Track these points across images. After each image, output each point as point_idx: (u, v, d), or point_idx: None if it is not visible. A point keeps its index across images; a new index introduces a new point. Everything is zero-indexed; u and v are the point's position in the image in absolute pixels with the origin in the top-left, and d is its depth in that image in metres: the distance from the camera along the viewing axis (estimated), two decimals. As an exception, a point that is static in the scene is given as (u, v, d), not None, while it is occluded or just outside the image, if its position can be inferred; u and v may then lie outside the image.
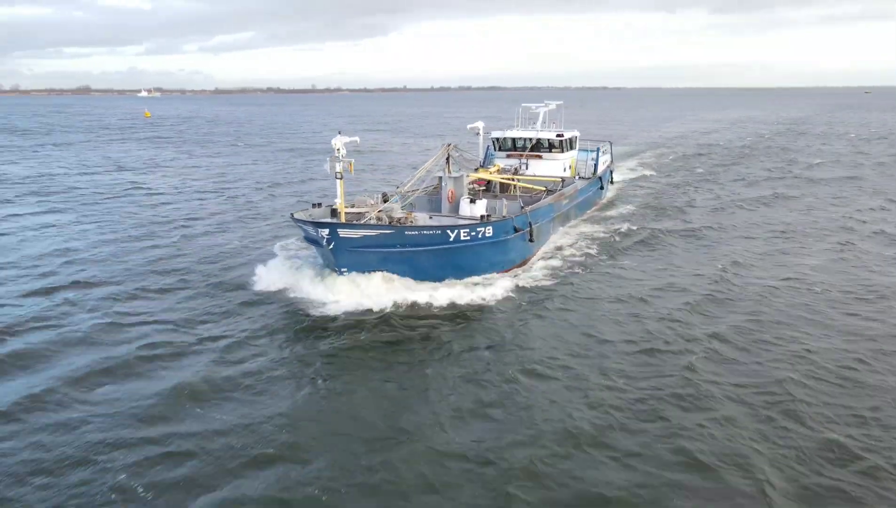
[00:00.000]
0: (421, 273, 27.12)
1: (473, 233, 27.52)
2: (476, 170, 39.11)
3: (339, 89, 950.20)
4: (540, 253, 33.27)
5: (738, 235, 37.66)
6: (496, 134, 44.25)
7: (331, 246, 25.33)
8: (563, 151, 43.35)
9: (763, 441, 16.14)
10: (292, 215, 26.79)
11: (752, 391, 18.70)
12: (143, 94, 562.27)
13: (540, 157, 43.33)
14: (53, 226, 39.60)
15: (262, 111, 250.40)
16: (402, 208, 31.47)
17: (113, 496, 14.05)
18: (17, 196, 50.30)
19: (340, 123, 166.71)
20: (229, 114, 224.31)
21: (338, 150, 25.28)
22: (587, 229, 38.92)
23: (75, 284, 27.85)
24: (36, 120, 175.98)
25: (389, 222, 27.27)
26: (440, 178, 34.38)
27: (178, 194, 52.06)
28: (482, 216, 29.37)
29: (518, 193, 36.65)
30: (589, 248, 34.56)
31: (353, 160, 25.62)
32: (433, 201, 34.93)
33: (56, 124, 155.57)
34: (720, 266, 30.71)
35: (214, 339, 22.21)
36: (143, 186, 56.15)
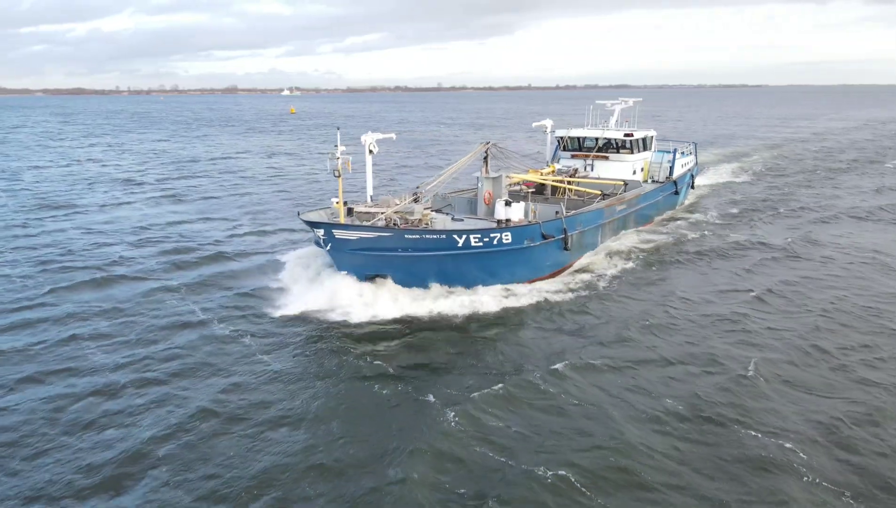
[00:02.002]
0: (424, 280, 25.51)
1: (487, 239, 25.49)
2: (527, 172, 36.75)
3: (463, 88, 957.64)
4: (580, 263, 30.56)
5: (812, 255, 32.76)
6: (561, 133, 41.52)
7: (328, 247, 24.39)
8: (632, 152, 39.86)
9: None
10: (299, 213, 26.10)
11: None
12: (286, 92, 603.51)
13: (607, 158, 40.14)
14: (239, 187, 54.29)
15: (387, 108, 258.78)
16: (444, 210, 30.01)
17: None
18: (202, 170, 66.01)
19: (463, 117, 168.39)
20: (360, 110, 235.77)
21: (336, 147, 24.33)
22: (647, 237, 35.34)
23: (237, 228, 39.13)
24: (203, 115, 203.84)
25: (405, 224, 25.80)
26: (477, 178, 32.49)
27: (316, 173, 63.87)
28: (498, 221, 27.14)
29: (571, 196, 33.99)
30: (638, 259, 31.31)
31: (350, 158, 24.45)
32: (472, 202, 33.10)
33: (216, 119, 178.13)
34: (770, 292, 26.64)
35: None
36: (292, 167, 68.50)
